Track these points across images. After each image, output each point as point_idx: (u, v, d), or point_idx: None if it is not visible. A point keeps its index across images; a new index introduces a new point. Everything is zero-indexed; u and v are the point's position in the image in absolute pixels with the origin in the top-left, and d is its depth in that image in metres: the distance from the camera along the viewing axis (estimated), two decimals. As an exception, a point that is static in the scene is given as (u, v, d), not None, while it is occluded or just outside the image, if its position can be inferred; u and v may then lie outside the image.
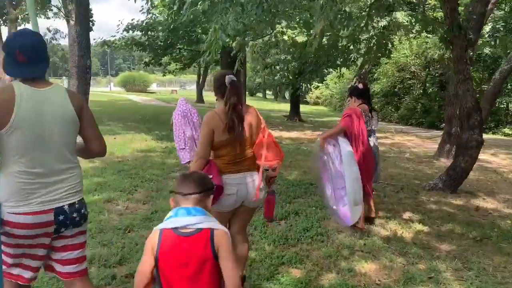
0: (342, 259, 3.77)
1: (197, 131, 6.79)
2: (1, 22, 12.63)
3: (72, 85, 9.10)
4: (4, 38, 12.42)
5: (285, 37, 12.70)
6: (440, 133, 15.70)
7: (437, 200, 5.91)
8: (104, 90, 48.48)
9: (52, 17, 11.21)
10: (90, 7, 10.03)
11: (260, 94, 52.33)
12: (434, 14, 12.46)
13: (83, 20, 9.01)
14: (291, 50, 14.25)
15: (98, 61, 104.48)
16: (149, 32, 14.97)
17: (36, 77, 2.06)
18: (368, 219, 4.67)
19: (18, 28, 13.35)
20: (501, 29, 16.56)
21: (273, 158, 2.91)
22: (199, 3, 4.71)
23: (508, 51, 12.91)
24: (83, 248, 2.33)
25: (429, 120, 19.95)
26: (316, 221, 4.70)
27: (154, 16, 14.93)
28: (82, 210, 2.22)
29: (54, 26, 13.76)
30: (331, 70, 17.55)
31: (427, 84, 21.40)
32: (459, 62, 5.74)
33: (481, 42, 13.14)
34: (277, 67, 15.05)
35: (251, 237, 4.16)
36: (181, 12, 8.13)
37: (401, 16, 10.93)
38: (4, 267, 2.08)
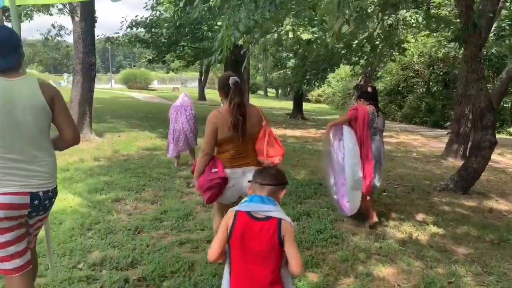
0: (359, 262, 3.68)
1: (190, 125, 6.90)
2: (4, 18, 12.47)
3: (77, 82, 8.98)
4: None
5: (290, 35, 12.56)
6: (445, 132, 15.65)
7: (450, 202, 5.82)
8: (105, 87, 48.33)
9: (57, 13, 11.08)
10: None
11: (261, 92, 52.19)
12: (438, 12, 12.31)
13: (88, 16, 8.89)
14: (295, 48, 14.18)
15: (99, 58, 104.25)
16: (153, 29, 14.84)
17: (6, 69, 2.19)
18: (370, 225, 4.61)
19: (21, 24, 13.25)
20: (507, 27, 16.43)
21: (274, 154, 3.08)
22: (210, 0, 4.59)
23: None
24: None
25: (433, 119, 19.83)
26: (329, 222, 4.61)
27: (159, 13, 14.79)
28: (53, 199, 2.39)
29: (59, 23, 13.70)
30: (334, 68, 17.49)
31: (431, 83, 21.30)
32: (473, 61, 5.64)
33: (490, 41, 13.01)
34: (289, 64, 14.90)
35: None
36: (187, 9, 8.03)
37: (408, 14, 10.83)
38: None
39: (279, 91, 47.41)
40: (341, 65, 8.25)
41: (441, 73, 20.50)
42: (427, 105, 20.49)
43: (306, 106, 23.36)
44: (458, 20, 5.92)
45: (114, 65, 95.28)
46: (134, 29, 15.15)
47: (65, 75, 42.21)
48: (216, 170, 3.03)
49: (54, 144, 2.42)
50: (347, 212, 4.53)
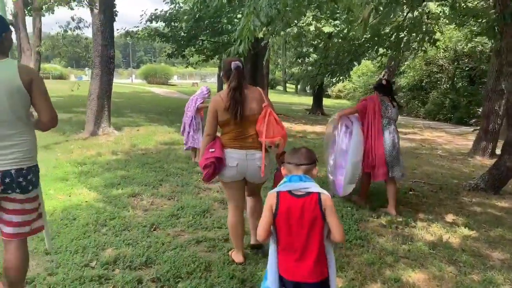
0: (386, 266, 3.44)
1: (189, 119, 6.76)
2: (26, 12, 12.52)
3: (95, 75, 8.89)
4: (29, 28, 12.37)
5: (312, 27, 12.28)
6: (470, 129, 15.15)
7: (481, 202, 5.50)
8: (126, 82, 48.73)
9: (76, 5, 11.05)
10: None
11: (280, 87, 51.82)
12: (466, 5, 11.82)
13: (107, 8, 8.78)
14: (315, 42, 13.86)
15: (120, 53, 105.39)
16: (172, 23, 14.72)
17: None
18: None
19: (42, 18, 13.32)
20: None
21: (274, 135, 3.14)
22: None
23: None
24: (31, 213, 2.54)
25: (457, 115, 19.23)
26: (354, 222, 4.37)
27: (178, 6, 14.66)
28: (29, 177, 2.44)
29: (78, 16, 13.76)
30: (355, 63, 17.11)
31: (456, 79, 20.66)
32: (509, 52, 5.28)
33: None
34: (311, 59, 14.62)
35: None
36: (207, 0, 7.84)
37: (434, 6, 10.41)
38: None
39: (299, 86, 46.93)
40: (367, 57, 8.01)
41: (466, 68, 19.83)
42: (452, 102, 19.88)
43: (326, 101, 22.96)
44: (492, 11, 5.55)
45: (135, 60, 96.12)
46: (154, 23, 15.08)
47: (87, 69, 42.63)
48: (213, 150, 3.19)
49: (36, 125, 2.53)
50: (339, 192, 4.84)
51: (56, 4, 11.07)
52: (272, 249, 2.23)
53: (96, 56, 8.86)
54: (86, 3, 9.60)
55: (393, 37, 5.29)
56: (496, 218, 4.87)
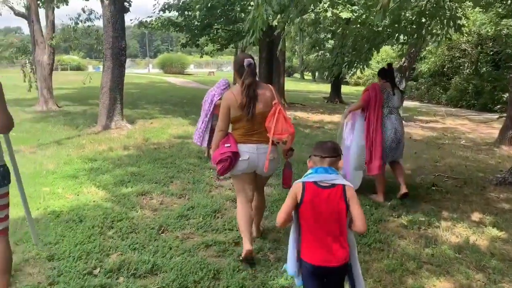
0: (409, 274, 3.19)
1: (203, 120, 6.30)
2: (40, 4, 12.43)
3: (107, 67, 8.73)
4: (43, 21, 12.29)
5: (329, 13, 11.86)
6: (495, 116, 14.56)
7: (509, 198, 5.17)
8: (143, 72, 48.88)
9: (86, -4, 10.91)
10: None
11: (297, 75, 51.21)
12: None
13: (117, -1, 8.60)
14: (333, 27, 13.41)
15: (137, 43, 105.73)
16: (186, 12, 14.47)
17: None
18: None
19: (57, 10, 13.19)
20: None
21: (282, 132, 3.23)
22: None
23: None
24: (3, 209, 2.57)
25: (481, 102, 18.57)
26: (373, 223, 4.12)
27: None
28: None
29: (89, 7, 13.51)
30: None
31: (479, 63, 19.91)
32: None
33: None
34: (328, 46, 14.19)
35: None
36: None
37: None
38: None
39: (316, 74, 46.25)
40: (387, 44, 7.64)
41: (491, 53, 19.07)
42: (475, 87, 19.18)
43: (344, 89, 22.45)
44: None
45: (152, 49, 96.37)
46: (167, 12, 14.83)
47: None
48: (229, 145, 3.29)
49: None
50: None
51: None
52: (292, 237, 2.36)
53: (107, 48, 8.69)
54: (97, -6, 9.39)
55: (415, 23, 4.94)
56: (527, 216, 4.55)
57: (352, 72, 5.47)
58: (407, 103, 17.11)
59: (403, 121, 5.41)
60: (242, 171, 3.36)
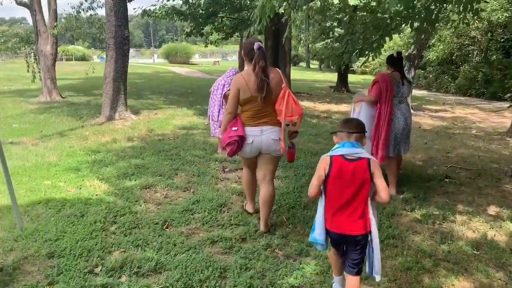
0: (425, 272, 3.03)
1: (212, 110, 6.04)
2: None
3: (110, 57, 8.55)
4: (46, 11, 12.10)
5: (336, 0, 11.58)
6: (506, 105, 14.24)
7: (526, 190, 4.99)
8: (148, 62, 48.63)
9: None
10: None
11: (303, 64, 50.75)
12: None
13: (120, -13, 8.38)
14: (340, 16, 13.13)
15: (142, 33, 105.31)
16: (190, 0, 14.22)
17: None
18: None
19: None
20: None
21: (293, 114, 3.35)
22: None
23: None
24: None
25: (491, 90, 18.18)
26: (386, 218, 3.95)
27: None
28: None
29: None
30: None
31: (489, 51, 19.49)
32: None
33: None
34: (336, 33, 13.89)
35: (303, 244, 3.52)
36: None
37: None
38: None
39: (322, 63, 45.76)
40: (400, 31, 7.40)
41: (501, 40, 18.66)
42: (484, 76, 18.79)
43: (350, 78, 22.06)
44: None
45: (157, 39, 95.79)
46: (171, 0, 14.60)
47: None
48: (236, 128, 3.42)
49: None
50: None
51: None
52: (321, 207, 2.48)
53: (110, 38, 8.50)
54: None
55: (429, 8, 4.71)
56: (546, 209, 4.36)
57: (363, 60, 5.25)
58: (415, 92, 16.78)
59: (412, 110, 5.23)
60: (247, 154, 3.55)
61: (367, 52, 4.75)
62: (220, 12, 15.03)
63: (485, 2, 9.84)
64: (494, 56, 19.10)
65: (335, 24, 14.28)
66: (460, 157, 6.58)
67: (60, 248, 3.26)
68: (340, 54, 4.98)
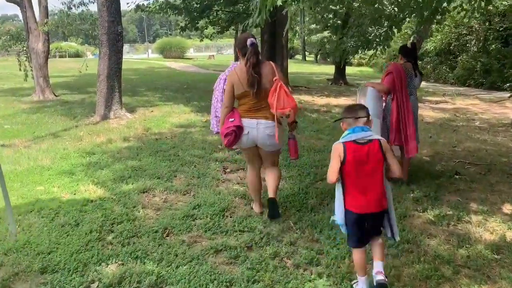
0: (445, 281, 2.83)
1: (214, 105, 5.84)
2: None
3: (104, 54, 8.28)
4: (37, 7, 11.77)
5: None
6: (506, 94, 14.05)
7: (539, 186, 4.80)
8: (142, 57, 48.17)
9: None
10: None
11: (299, 56, 50.40)
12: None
13: (112, -19, 8.09)
14: (336, 7, 12.87)
15: (136, 28, 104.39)
16: (184, -6, 13.92)
17: None
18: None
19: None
20: None
21: (285, 106, 3.38)
22: None
23: None
24: None
25: (490, 80, 18.00)
26: (397, 220, 3.74)
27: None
28: None
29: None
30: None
31: (488, 41, 19.28)
32: None
33: None
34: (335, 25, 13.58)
35: (318, 243, 3.32)
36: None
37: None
38: None
39: (318, 55, 45.41)
40: (408, 22, 7.15)
41: (500, 29, 18.44)
42: (483, 65, 18.60)
43: (347, 70, 21.84)
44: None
45: (151, 34, 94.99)
46: (165, -6, 14.26)
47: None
48: (233, 119, 3.54)
49: None
50: None
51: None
52: (339, 192, 2.61)
53: (103, 34, 8.23)
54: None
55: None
56: (563, 206, 4.18)
57: (371, 53, 5.03)
58: (414, 83, 16.59)
59: None
60: (244, 145, 3.65)
61: (374, 45, 4.54)
62: (215, 6, 14.73)
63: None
64: (493, 46, 18.90)
65: (330, 16, 13.90)
66: (467, 151, 6.39)
67: (54, 262, 3.04)
68: (345, 48, 4.75)
